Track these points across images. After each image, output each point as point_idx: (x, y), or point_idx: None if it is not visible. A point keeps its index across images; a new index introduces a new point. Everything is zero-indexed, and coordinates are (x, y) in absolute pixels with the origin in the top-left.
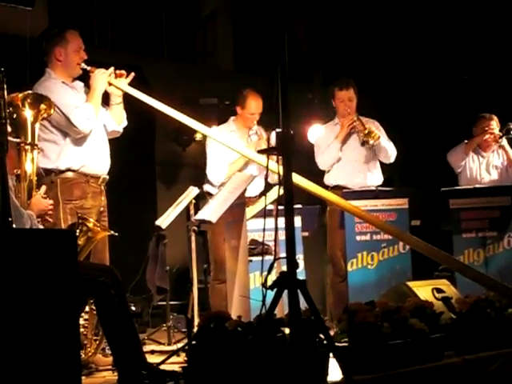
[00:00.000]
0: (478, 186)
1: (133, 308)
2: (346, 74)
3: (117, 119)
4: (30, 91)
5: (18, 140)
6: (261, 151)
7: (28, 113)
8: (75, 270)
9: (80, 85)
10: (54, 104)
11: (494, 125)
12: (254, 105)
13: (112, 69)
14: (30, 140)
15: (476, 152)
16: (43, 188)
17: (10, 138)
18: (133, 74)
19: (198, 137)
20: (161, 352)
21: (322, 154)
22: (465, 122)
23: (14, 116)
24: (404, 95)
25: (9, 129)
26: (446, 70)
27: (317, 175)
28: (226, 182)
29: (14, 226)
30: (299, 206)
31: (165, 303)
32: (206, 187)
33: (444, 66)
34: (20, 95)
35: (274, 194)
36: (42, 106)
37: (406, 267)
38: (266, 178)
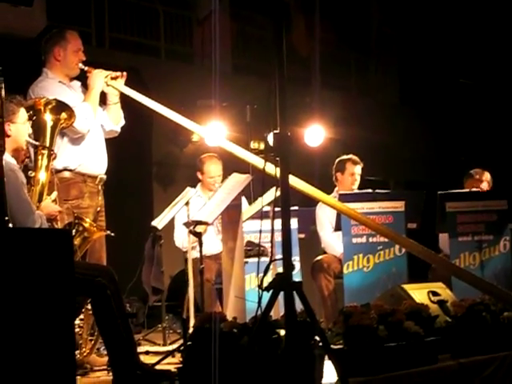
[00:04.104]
0: (474, 189)
1: (128, 308)
2: (343, 76)
3: (114, 119)
4: (54, 98)
5: (36, 143)
6: (258, 153)
7: (48, 117)
8: (71, 270)
9: (77, 84)
10: (75, 115)
11: (485, 185)
12: (211, 168)
13: (110, 72)
14: (47, 144)
15: None
16: (54, 193)
17: (28, 139)
18: (125, 74)
19: (195, 138)
20: (156, 353)
21: (324, 238)
22: (462, 123)
23: (34, 119)
24: (403, 95)
25: (29, 130)
26: (443, 72)
27: (313, 177)
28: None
29: (21, 220)
30: (296, 207)
31: (160, 304)
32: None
33: (442, 69)
34: (43, 100)
35: (270, 195)
36: (63, 115)
37: (402, 270)
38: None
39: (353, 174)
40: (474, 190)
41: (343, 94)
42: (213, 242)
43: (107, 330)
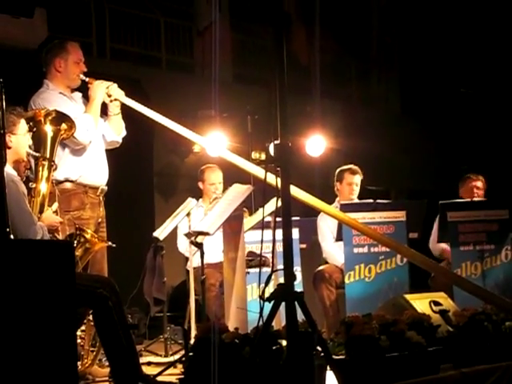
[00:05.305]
0: (476, 199)
1: (130, 319)
2: (344, 86)
3: (116, 129)
4: (54, 109)
5: (36, 154)
6: (259, 163)
7: (48, 129)
8: (72, 281)
9: (78, 95)
10: (75, 126)
11: (480, 186)
12: (212, 176)
13: (111, 83)
14: (48, 156)
15: None
16: (55, 205)
17: (28, 150)
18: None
19: (196, 148)
20: (158, 363)
21: (326, 248)
22: (464, 132)
23: (34, 130)
24: (404, 105)
25: (30, 142)
26: (444, 82)
27: (314, 187)
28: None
29: (23, 232)
30: (297, 218)
31: (162, 314)
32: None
33: (443, 79)
34: (43, 111)
35: (271, 206)
36: (63, 126)
37: (404, 280)
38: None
39: (350, 184)
40: (476, 199)
41: (344, 104)
42: (216, 250)
43: (109, 340)
